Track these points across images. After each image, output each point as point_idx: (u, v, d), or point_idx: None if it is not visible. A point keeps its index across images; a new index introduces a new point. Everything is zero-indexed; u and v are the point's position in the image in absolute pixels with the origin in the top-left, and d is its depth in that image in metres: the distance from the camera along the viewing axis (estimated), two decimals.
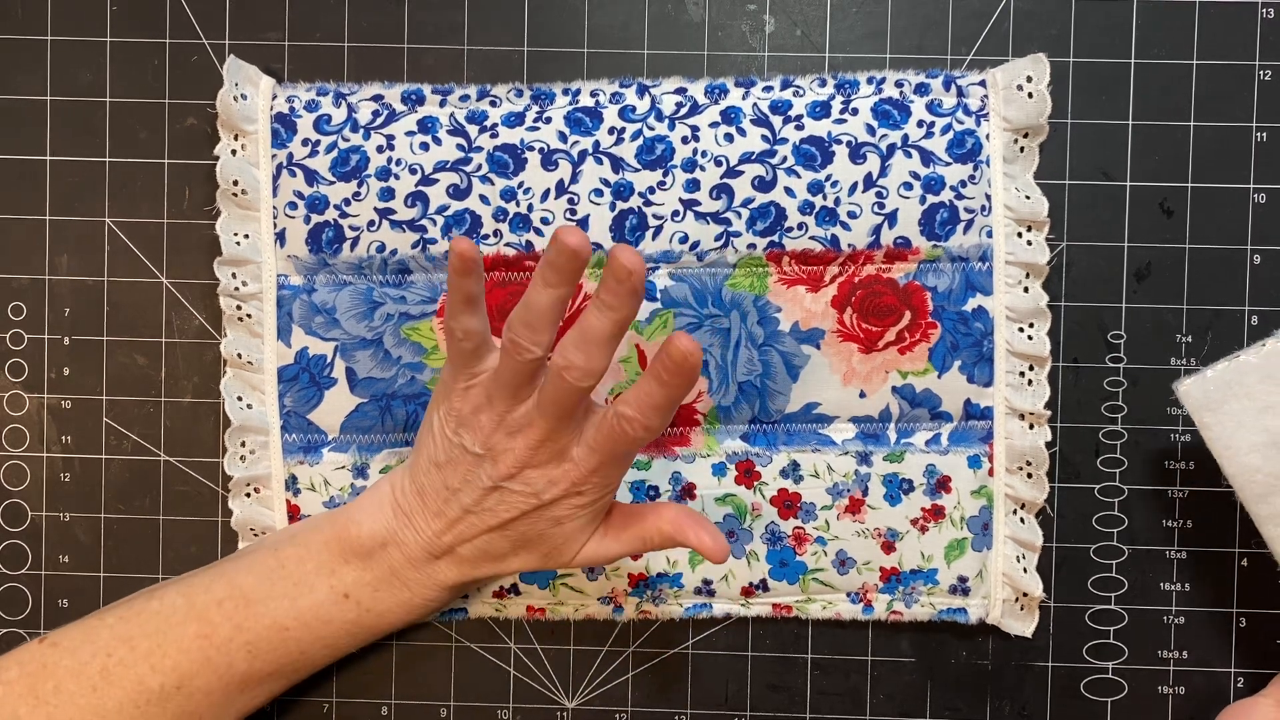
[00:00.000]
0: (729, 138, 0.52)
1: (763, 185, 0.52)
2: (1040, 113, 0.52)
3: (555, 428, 0.46)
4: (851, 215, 0.52)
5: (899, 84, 0.52)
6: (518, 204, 0.52)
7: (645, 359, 0.52)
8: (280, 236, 0.53)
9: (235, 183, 0.52)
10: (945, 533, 0.53)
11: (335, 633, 0.49)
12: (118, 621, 0.48)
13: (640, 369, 0.52)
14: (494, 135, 0.52)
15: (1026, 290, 0.52)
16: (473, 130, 0.52)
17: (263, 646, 0.48)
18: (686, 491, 0.53)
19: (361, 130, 0.52)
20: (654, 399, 0.45)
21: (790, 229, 0.52)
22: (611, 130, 0.52)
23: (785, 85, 0.52)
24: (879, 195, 0.52)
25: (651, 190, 0.52)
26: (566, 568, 0.50)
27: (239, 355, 0.53)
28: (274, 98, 0.53)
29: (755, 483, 0.53)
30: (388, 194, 0.52)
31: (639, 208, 0.52)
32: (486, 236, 0.52)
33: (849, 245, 0.52)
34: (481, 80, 0.53)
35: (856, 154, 0.52)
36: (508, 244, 0.52)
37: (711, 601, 0.54)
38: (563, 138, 0.52)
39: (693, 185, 0.52)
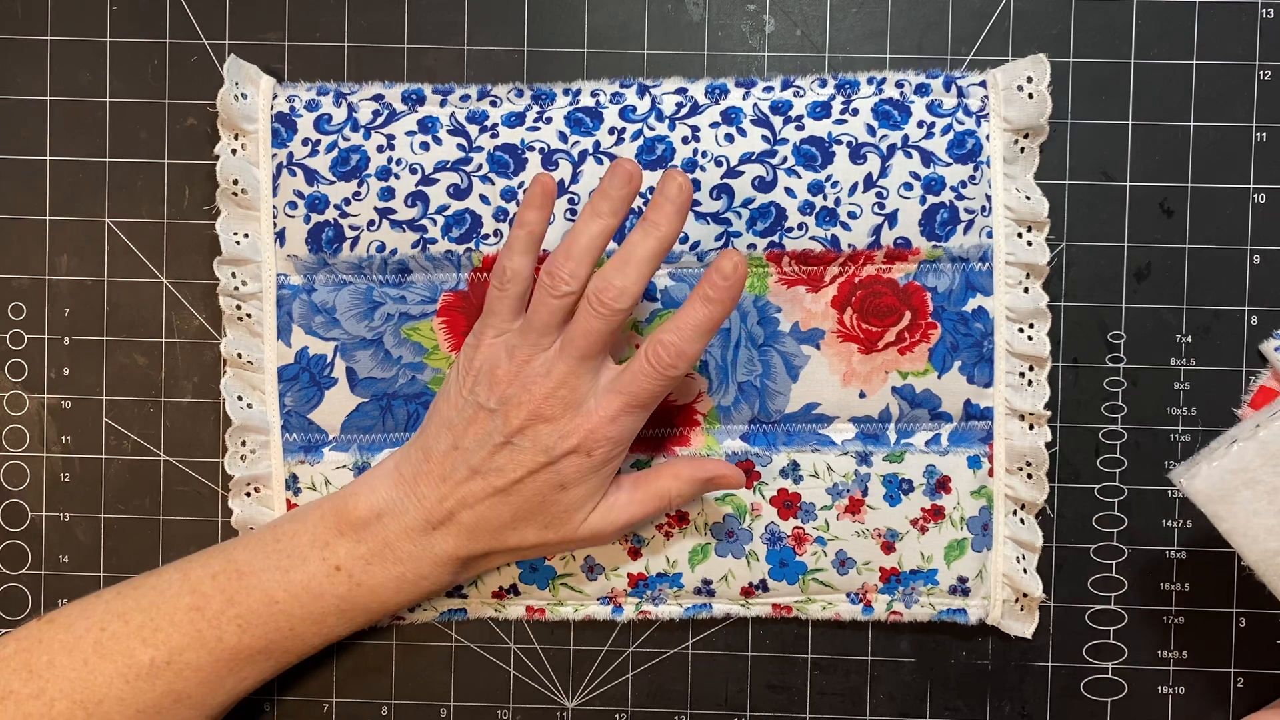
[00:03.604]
0: (729, 138, 0.52)
1: (763, 185, 0.52)
2: (1040, 113, 0.52)
3: (575, 370, 0.47)
4: (852, 215, 0.52)
5: (899, 84, 0.52)
6: (518, 204, 0.52)
7: None
8: (280, 236, 0.53)
9: (235, 182, 0.52)
10: (945, 533, 0.53)
11: (325, 608, 0.49)
12: (115, 597, 0.49)
13: None
14: (494, 135, 0.52)
15: (1026, 290, 0.52)
16: (473, 130, 0.52)
17: (253, 620, 0.48)
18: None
19: (362, 130, 0.52)
20: (697, 319, 0.46)
21: (790, 229, 0.52)
22: (612, 130, 0.52)
23: (785, 85, 0.52)
24: (879, 195, 0.52)
25: (652, 190, 0.52)
26: (568, 543, 0.50)
27: (239, 355, 0.53)
28: (274, 97, 0.53)
29: (755, 483, 0.53)
30: (388, 194, 0.52)
31: (639, 208, 0.52)
32: (486, 236, 0.52)
33: (849, 245, 0.52)
34: (481, 80, 0.53)
35: (857, 154, 0.52)
36: None
37: (711, 601, 0.54)
38: (563, 138, 0.52)
39: (693, 185, 0.52)
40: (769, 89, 0.52)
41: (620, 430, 0.48)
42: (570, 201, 0.52)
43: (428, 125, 0.52)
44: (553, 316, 0.47)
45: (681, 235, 0.52)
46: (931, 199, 0.52)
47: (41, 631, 0.48)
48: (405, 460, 0.49)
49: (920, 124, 0.52)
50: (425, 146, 0.52)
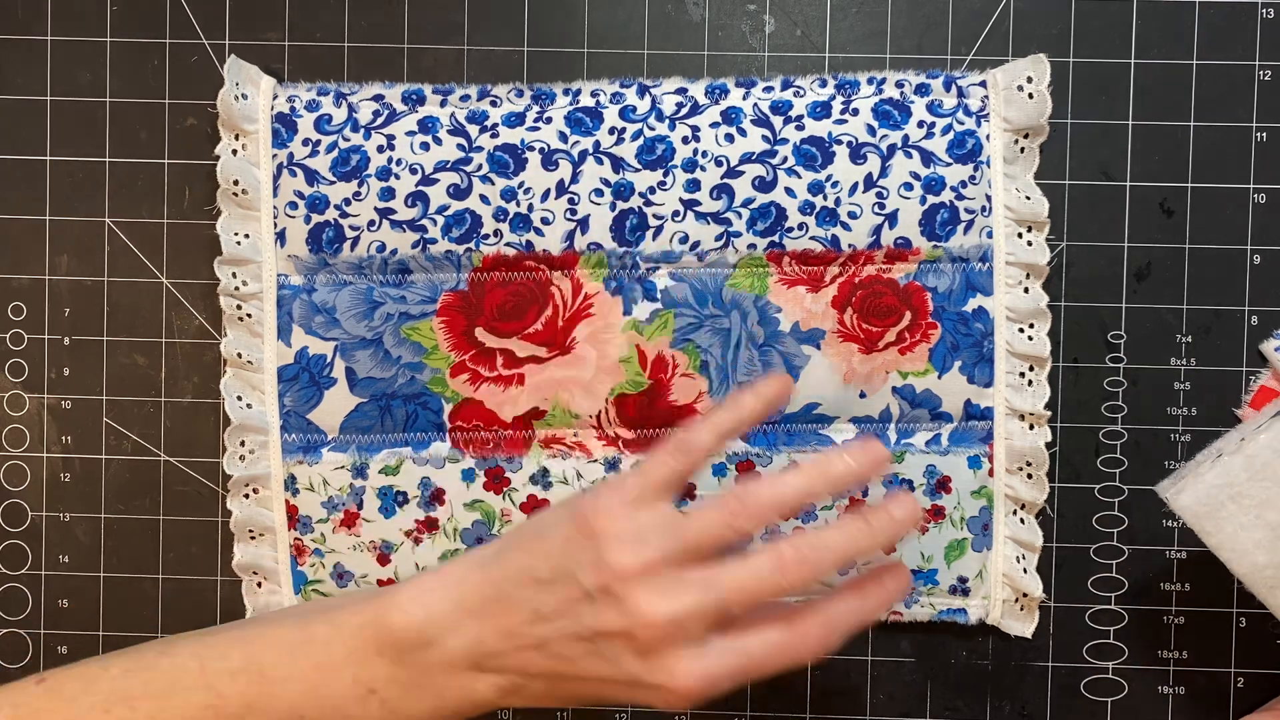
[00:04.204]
0: (729, 138, 0.52)
1: (763, 185, 0.52)
2: (1040, 113, 0.52)
3: (701, 620, 0.40)
4: (852, 215, 0.52)
5: (899, 84, 0.52)
6: (518, 204, 0.52)
7: (645, 359, 0.52)
8: (280, 236, 0.53)
9: (236, 182, 0.52)
10: (945, 533, 0.53)
11: None
12: (122, 674, 0.43)
13: (640, 369, 0.52)
14: (494, 135, 0.52)
15: (1027, 290, 0.52)
16: (473, 130, 0.52)
17: None
18: (687, 492, 0.53)
19: (362, 130, 0.52)
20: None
21: (791, 229, 0.52)
22: (612, 130, 0.52)
23: (786, 85, 0.52)
24: (879, 196, 0.52)
25: (652, 190, 0.52)
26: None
27: (239, 355, 0.53)
28: (274, 97, 0.53)
29: None
30: (388, 194, 0.52)
31: (639, 208, 0.52)
32: (487, 236, 0.52)
33: (849, 245, 0.52)
34: (481, 80, 0.53)
35: (857, 154, 0.52)
36: (508, 244, 0.52)
37: None
38: (563, 138, 0.52)
39: (693, 185, 0.52)
40: (769, 89, 0.52)
41: (691, 700, 0.41)
42: (570, 201, 0.52)
43: (428, 125, 0.52)
44: (719, 543, 0.41)
45: (682, 235, 0.52)
46: (931, 199, 0.52)
47: (40, 702, 0.43)
48: (473, 589, 0.43)
49: (920, 124, 0.52)
50: (425, 146, 0.52)
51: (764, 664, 0.41)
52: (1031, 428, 0.53)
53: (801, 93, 0.52)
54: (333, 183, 0.52)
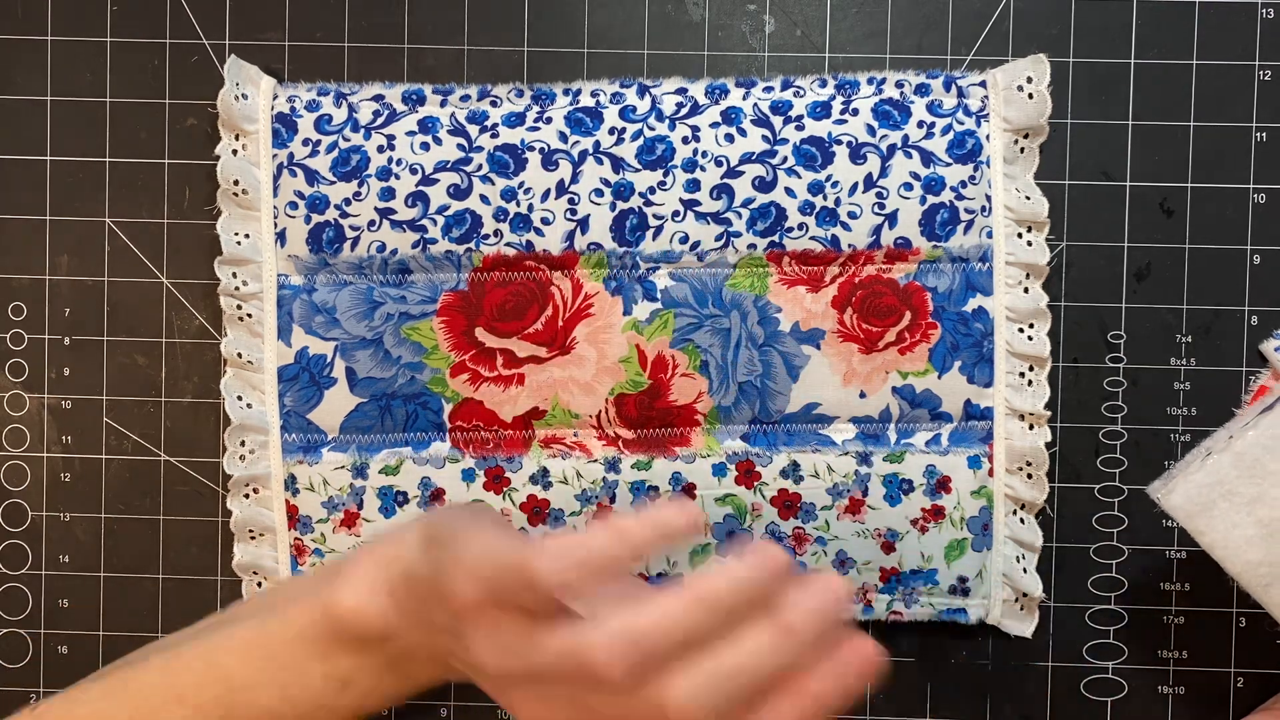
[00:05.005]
0: (729, 138, 0.52)
1: (763, 185, 0.52)
2: (1040, 113, 0.52)
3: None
4: (852, 215, 0.52)
5: (899, 84, 0.52)
6: (518, 204, 0.52)
7: (645, 359, 0.52)
8: (281, 236, 0.53)
9: (236, 182, 0.52)
10: (945, 533, 0.53)
11: (336, 718, 0.43)
12: (99, 697, 0.43)
13: (640, 368, 0.52)
14: (494, 135, 0.52)
15: (1026, 290, 0.52)
16: (473, 130, 0.52)
17: None
18: (687, 491, 0.53)
19: (362, 130, 0.52)
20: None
21: (790, 229, 0.52)
22: (612, 130, 0.52)
23: (786, 86, 0.52)
24: (879, 196, 0.52)
25: (652, 190, 0.52)
26: None
27: (239, 355, 0.53)
28: (275, 98, 0.53)
29: (755, 483, 0.53)
30: (388, 194, 0.52)
31: (639, 208, 0.52)
32: (487, 236, 0.52)
33: (849, 245, 0.52)
34: (482, 80, 0.53)
35: (857, 154, 0.52)
36: (508, 244, 0.52)
37: None
38: (563, 138, 0.52)
39: (693, 185, 0.52)
40: (769, 89, 0.52)
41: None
42: (570, 201, 0.52)
43: (428, 125, 0.52)
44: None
45: (682, 235, 0.52)
46: (931, 199, 0.52)
47: None
48: (401, 586, 0.41)
49: (920, 124, 0.52)
50: (425, 147, 0.52)
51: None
52: (1031, 428, 0.53)
53: (801, 93, 0.52)
54: (333, 183, 0.52)
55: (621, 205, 0.52)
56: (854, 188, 0.52)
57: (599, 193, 0.52)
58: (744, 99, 0.52)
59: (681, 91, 0.52)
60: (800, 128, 0.52)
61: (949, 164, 0.52)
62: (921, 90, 0.52)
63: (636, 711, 0.36)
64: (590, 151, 0.52)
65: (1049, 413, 0.52)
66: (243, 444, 0.53)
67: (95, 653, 0.55)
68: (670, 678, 0.35)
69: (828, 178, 0.52)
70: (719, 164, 0.52)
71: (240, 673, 0.42)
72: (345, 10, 0.54)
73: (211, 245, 0.53)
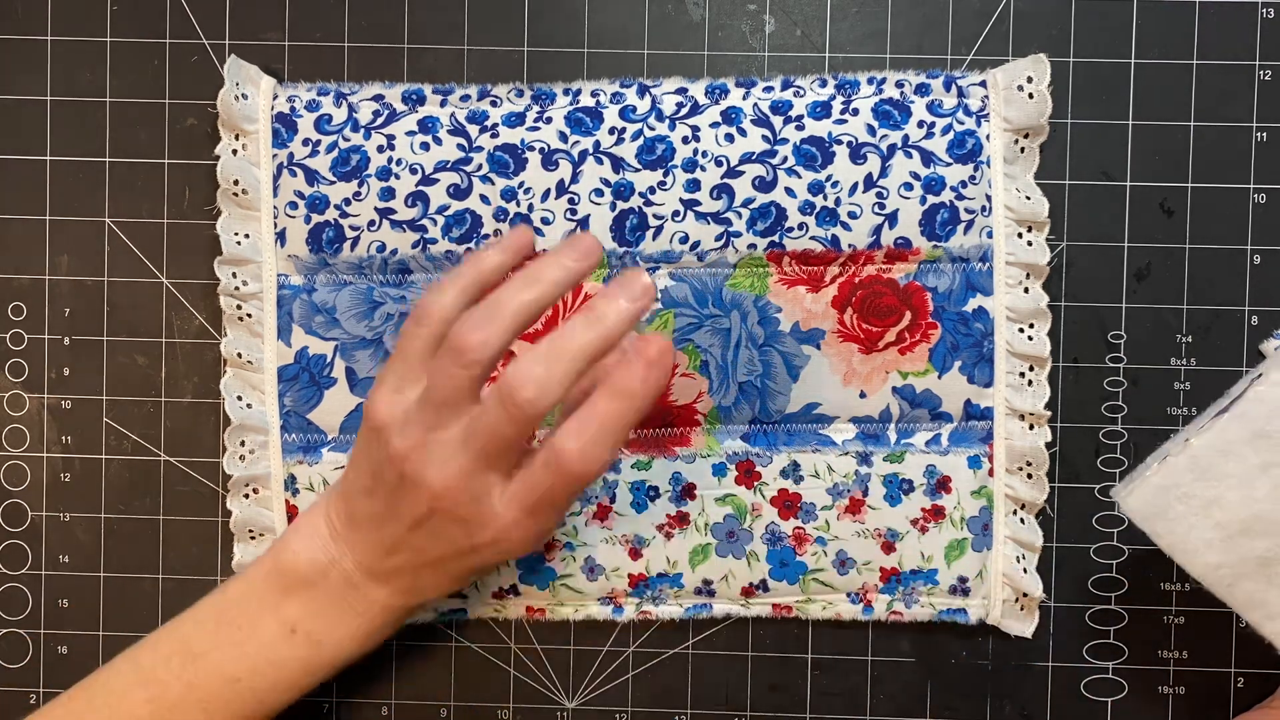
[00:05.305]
0: (729, 138, 0.52)
1: (763, 185, 0.52)
2: (1041, 113, 0.52)
3: (475, 471, 0.41)
4: (852, 215, 0.52)
5: (899, 84, 0.52)
6: (518, 204, 0.52)
7: None
8: (281, 236, 0.53)
9: (236, 182, 0.52)
10: (945, 533, 0.53)
11: (291, 674, 0.46)
12: (72, 698, 0.46)
13: None
14: (494, 135, 0.52)
15: (1027, 290, 0.52)
16: (473, 130, 0.52)
17: (217, 703, 0.45)
18: (686, 492, 0.53)
19: (362, 130, 0.52)
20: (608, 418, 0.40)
21: (791, 229, 0.52)
22: (612, 130, 0.52)
23: (786, 85, 0.52)
24: (879, 195, 0.52)
25: (652, 190, 0.52)
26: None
27: (239, 355, 0.53)
28: (275, 97, 0.53)
29: (755, 483, 0.53)
30: (388, 194, 0.52)
31: (639, 208, 0.52)
32: (487, 236, 0.52)
33: (849, 245, 0.52)
34: (482, 80, 0.53)
35: (857, 154, 0.52)
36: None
37: (711, 602, 0.54)
38: (563, 138, 0.52)
39: (693, 185, 0.52)
40: (769, 89, 0.52)
41: (535, 532, 0.43)
42: (570, 201, 0.52)
43: (428, 125, 0.52)
44: (455, 393, 0.40)
45: (682, 235, 0.52)
46: (932, 199, 0.52)
47: None
48: (336, 515, 0.46)
49: (920, 124, 0.52)
50: (425, 146, 0.52)
51: (573, 464, 0.41)
52: (1031, 428, 0.53)
53: (801, 93, 0.52)
54: (333, 183, 0.52)
55: (621, 205, 0.52)
56: (854, 188, 0.52)
57: (599, 193, 0.52)
58: (744, 99, 0.52)
59: (681, 91, 0.52)
60: (800, 128, 0.52)
61: (949, 164, 0.52)
62: (921, 90, 0.52)
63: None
64: (590, 151, 0.52)
65: (1049, 413, 0.52)
66: (243, 444, 0.53)
67: (95, 653, 0.55)
68: (513, 363, 0.39)
69: (828, 178, 0.52)
70: (719, 164, 0.52)
71: (196, 637, 0.45)
72: (345, 10, 0.54)
73: (211, 245, 0.53)
